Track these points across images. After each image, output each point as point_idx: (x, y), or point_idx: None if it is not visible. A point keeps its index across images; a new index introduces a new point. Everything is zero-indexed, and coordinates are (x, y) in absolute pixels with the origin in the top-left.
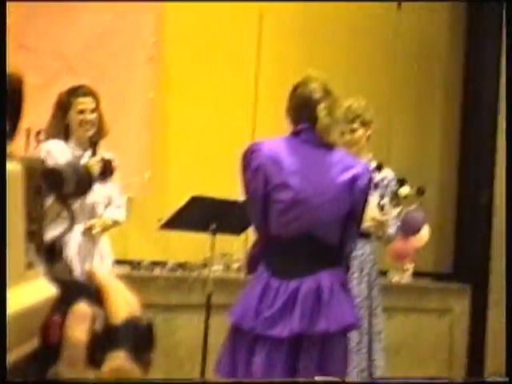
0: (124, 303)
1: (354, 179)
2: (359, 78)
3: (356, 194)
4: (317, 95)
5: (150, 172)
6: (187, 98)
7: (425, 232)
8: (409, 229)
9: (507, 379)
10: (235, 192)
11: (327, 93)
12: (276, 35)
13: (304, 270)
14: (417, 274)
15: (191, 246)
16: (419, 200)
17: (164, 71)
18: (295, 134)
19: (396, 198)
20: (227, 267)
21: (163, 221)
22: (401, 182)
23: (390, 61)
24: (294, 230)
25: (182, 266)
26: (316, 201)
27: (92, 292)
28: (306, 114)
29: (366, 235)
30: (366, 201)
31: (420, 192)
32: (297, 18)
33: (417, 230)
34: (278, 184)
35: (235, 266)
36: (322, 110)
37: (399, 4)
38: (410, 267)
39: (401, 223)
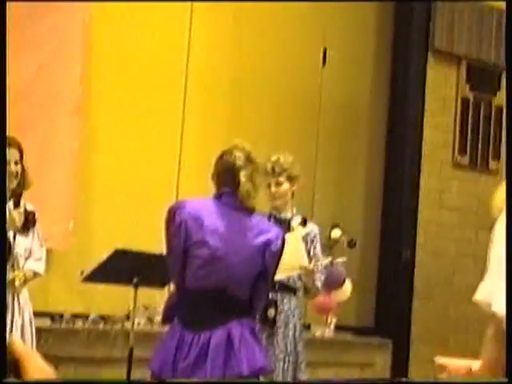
0: (40, 374)
1: (267, 243)
2: (285, 133)
3: (268, 257)
4: (240, 163)
5: (72, 223)
6: (112, 150)
7: (347, 286)
8: (332, 282)
9: (507, 379)
10: (157, 245)
11: (249, 161)
12: (201, 94)
13: (215, 322)
14: (339, 328)
15: (114, 298)
16: (350, 252)
17: (89, 122)
18: (218, 196)
19: (328, 245)
20: (150, 320)
21: (86, 273)
22: (333, 226)
23: (315, 116)
24: (208, 285)
25: (104, 318)
26: (231, 259)
27: (9, 363)
28: (229, 179)
29: (291, 289)
30: (277, 264)
31: (351, 244)
32: (222, 77)
33: (340, 284)
34: (197, 241)
35: (158, 318)
36: (243, 176)
37: (324, 63)
38: (332, 321)
39: (324, 277)
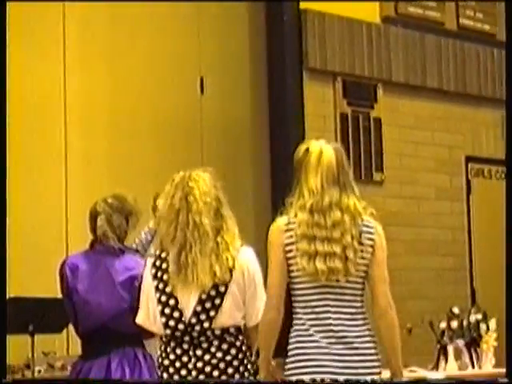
0: None
1: (132, 279)
2: (169, 165)
3: (135, 292)
4: (98, 209)
5: None
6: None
7: None
8: None
9: (507, 380)
10: (52, 290)
11: (108, 205)
12: (81, 135)
13: (98, 353)
14: None
15: (12, 347)
16: None
17: None
18: (90, 245)
19: None
20: (50, 366)
21: None
22: None
23: (198, 144)
24: (89, 324)
25: None
26: (100, 300)
27: None
28: (93, 226)
29: None
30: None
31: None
32: (100, 117)
33: None
34: (71, 288)
35: (58, 364)
36: (99, 220)
37: (202, 91)
38: None
39: None
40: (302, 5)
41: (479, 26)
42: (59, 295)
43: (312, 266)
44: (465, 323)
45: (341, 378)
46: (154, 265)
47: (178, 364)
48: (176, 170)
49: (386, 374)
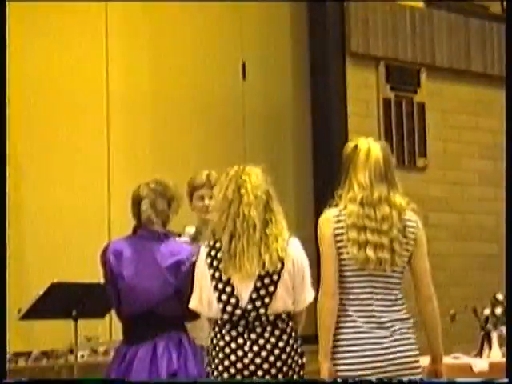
0: None
1: (177, 264)
2: (211, 149)
3: (179, 277)
4: (142, 193)
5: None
6: (39, 184)
7: None
8: None
9: (507, 380)
10: (93, 278)
11: (151, 190)
12: (124, 119)
13: (144, 338)
14: None
15: (55, 332)
16: None
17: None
18: (133, 230)
19: None
20: (93, 351)
21: (23, 311)
22: None
23: (240, 129)
24: (134, 309)
25: (47, 354)
26: (146, 285)
27: None
28: (136, 211)
29: None
30: (192, 281)
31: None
32: (143, 100)
33: None
34: (117, 274)
35: (101, 349)
36: (144, 204)
37: (243, 76)
38: None
39: None
40: None
41: None
42: (102, 280)
43: (363, 254)
44: None
45: (383, 360)
46: (209, 254)
47: (233, 345)
48: (217, 155)
49: (425, 360)
